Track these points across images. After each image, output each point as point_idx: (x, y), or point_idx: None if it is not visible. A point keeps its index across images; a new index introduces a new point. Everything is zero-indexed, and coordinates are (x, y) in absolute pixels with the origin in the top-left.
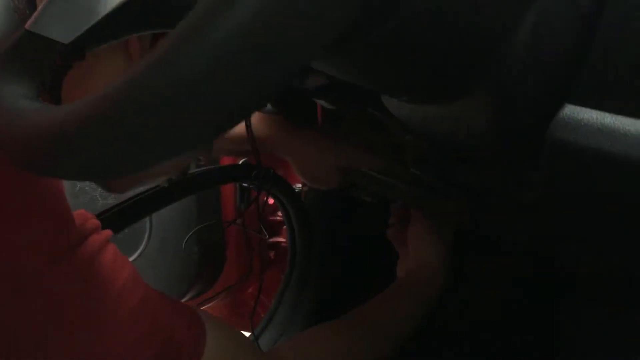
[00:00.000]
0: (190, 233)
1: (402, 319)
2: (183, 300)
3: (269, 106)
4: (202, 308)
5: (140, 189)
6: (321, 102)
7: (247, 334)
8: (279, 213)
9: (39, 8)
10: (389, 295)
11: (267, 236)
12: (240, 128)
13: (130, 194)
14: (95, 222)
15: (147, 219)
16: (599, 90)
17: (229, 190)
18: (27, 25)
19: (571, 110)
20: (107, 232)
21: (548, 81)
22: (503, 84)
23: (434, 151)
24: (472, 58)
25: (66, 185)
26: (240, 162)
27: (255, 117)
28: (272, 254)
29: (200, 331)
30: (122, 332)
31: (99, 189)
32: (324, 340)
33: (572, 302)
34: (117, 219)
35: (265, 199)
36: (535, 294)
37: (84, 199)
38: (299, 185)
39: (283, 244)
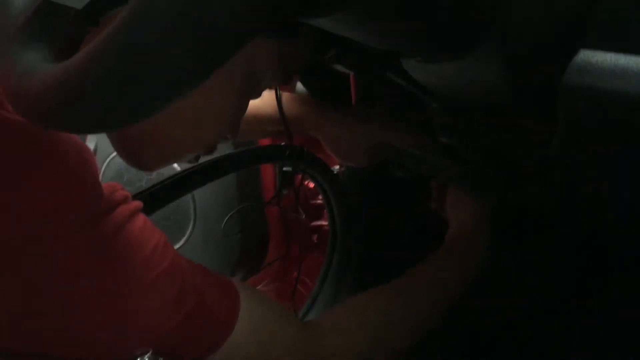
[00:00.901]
0: (230, 214)
1: (444, 286)
2: None
3: (301, 86)
4: None
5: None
6: (339, 68)
7: None
8: (321, 197)
9: None
10: (428, 264)
11: (304, 215)
12: (272, 108)
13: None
14: (125, 192)
15: (191, 207)
16: (611, 31)
17: (269, 175)
18: None
19: (585, 55)
20: (137, 203)
21: (560, 27)
22: (514, 33)
23: (459, 117)
24: (478, 6)
25: (114, 176)
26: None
27: (287, 97)
28: (314, 237)
29: (233, 299)
30: (148, 299)
31: (145, 179)
32: (362, 307)
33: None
34: (152, 199)
35: (301, 179)
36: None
37: (132, 188)
38: (337, 167)
39: (325, 228)
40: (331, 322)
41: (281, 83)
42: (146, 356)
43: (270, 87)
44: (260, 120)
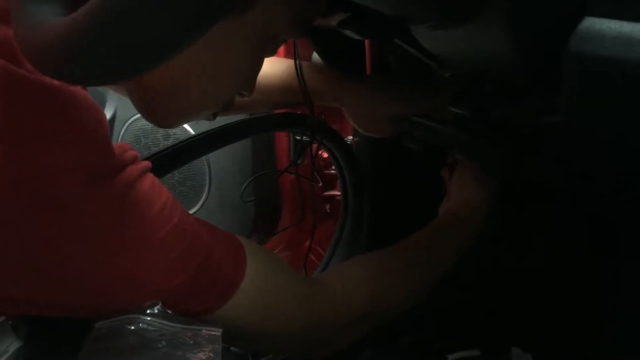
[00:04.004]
0: (247, 183)
1: (440, 251)
2: None
3: (316, 56)
4: None
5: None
6: (348, 33)
7: None
8: (334, 166)
9: None
10: (429, 230)
11: (321, 183)
12: (292, 78)
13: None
14: (134, 152)
15: (206, 173)
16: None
17: (283, 145)
18: None
19: (589, 22)
20: (145, 163)
21: None
22: (519, 2)
23: (469, 86)
24: None
25: (132, 140)
26: None
27: (307, 68)
28: (327, 207)
29: (240, 255)
30: (157, 254)
31: (162, 143)
32: (364, 265)
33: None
34: (166, 161)
35: (316, 148)
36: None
37: (149, 153)
38: (350, 137)
39: (338, 197)
40: (334, 276)
41: (296, 36)
42: (155, 308)
43: (284, 46)
44: (280, 90)
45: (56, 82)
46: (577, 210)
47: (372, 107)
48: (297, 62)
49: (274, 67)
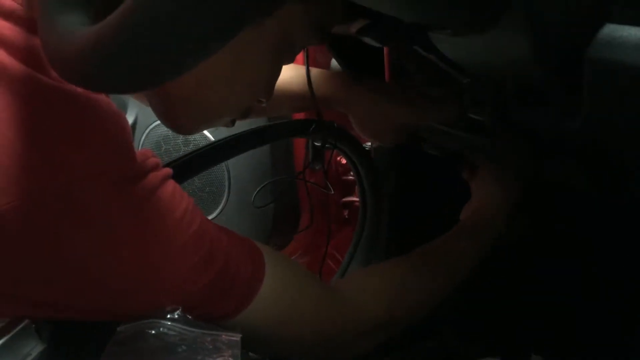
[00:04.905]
0: (261, 186)
1: (457, 258)
2: None
3: (335, 63)
4: None
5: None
6: (367, 40)
7: None
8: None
9: None
10: (447, 237)
11: (332, 191)
12: (302, 84)
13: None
14: (156, 160)
15: (225, 178)
16: (637, 5)
17: (302, 150)
18: None
19: (610, 29)
20: (167, 170)
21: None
22: (540, 3)
23: (489, 92)
24: None
25: (152, 147)
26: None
27: (317, 74)
28: (345, 212)
29: (258, 260)
30: (180, 259)
31: (182, 150)
32: (381, 273)
33: None
34: (185, 168)
35: (331, 154)
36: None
37: (169, 159)
38: (369, 143)
39: (356, 203)
40: (351, 284)
41: (315, 44)
42: (176, 313)
43: (300, 55)
44: (290, 96)
45: (80, 90)
46: (598, 215)
47: (378, 115)
48: (307, 67)
49: (283, 74)
